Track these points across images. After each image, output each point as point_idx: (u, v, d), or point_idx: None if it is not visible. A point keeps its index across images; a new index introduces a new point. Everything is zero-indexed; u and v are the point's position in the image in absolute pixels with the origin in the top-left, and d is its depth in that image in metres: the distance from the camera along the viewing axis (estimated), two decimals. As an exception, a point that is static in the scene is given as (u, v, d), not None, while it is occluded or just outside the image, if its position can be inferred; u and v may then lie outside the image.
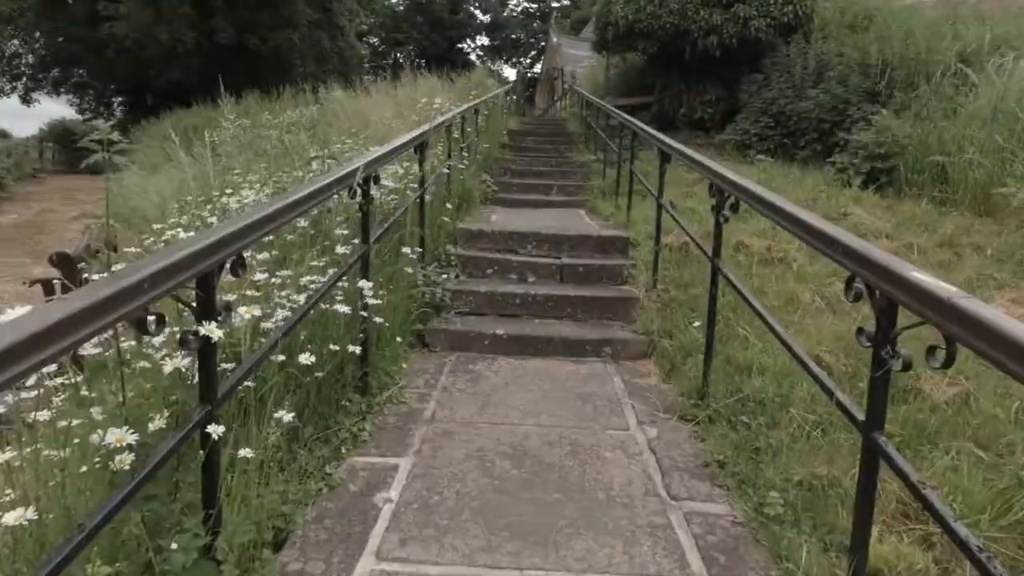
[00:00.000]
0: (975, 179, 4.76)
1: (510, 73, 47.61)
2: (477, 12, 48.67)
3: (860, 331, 1.48)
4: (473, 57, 48.67)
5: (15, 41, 26.64)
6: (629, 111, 10.76)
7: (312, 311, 2.31)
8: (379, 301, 2.78)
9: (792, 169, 6.84)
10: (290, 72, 22.94)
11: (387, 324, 3.22)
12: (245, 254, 1.61)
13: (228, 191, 4.34)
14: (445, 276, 3.95)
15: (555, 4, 46.60)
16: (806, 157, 7.05)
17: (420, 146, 3.93)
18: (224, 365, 1.81)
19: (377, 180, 2.92)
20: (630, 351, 3.63)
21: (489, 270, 4.28)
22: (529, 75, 45.66)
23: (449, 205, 4.78)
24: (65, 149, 27.33)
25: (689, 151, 3.43)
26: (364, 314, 2.69)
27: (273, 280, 2.42)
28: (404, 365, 3.36)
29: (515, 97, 17.03)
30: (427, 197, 4.33)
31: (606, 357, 3.59)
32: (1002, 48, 6.12)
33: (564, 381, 3.27)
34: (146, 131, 16.86)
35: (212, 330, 1.38)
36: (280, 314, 2.23)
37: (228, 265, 1.52)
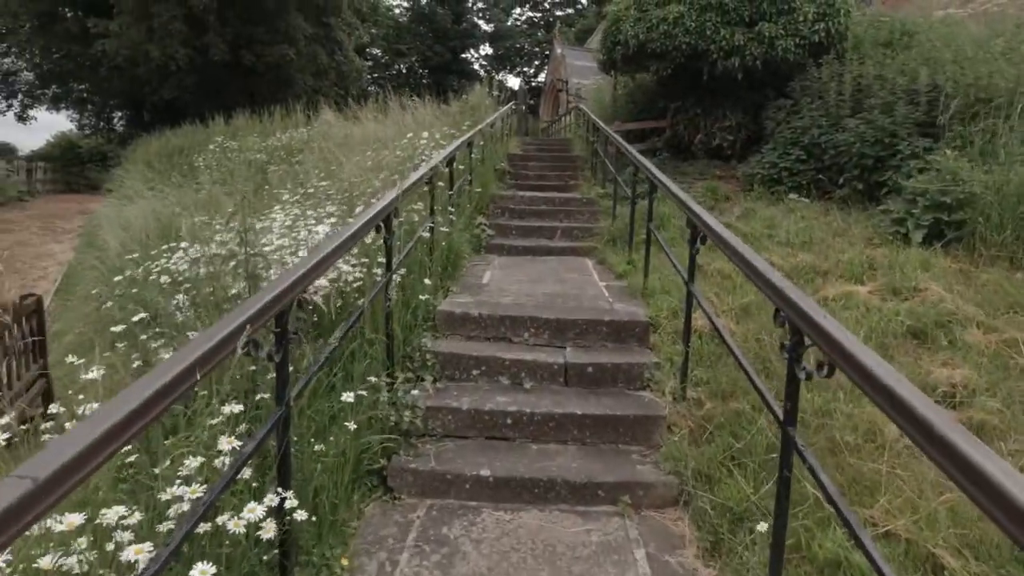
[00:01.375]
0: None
1: (514, 82, 47.13)
2: (480, 22, 48.16)
3: (782, 346, 1.86)
4: (476, 67, 48.11)
5: (8, 59, 26.14)
6: (639, 136, 9.91)
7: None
8: (301, 516, 1.91)
9: (831, 212, 5.95)
10: (288, 87, 22.32)
11: (330, 484, 2.38)
12: None
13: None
14: (416, 392, 3.08)
15: (559, 13, 45.97)
16: (846, 197, 6.16)
17: (386, 221, 3.09)
18: None
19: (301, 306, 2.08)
20: (654, 498, 2.75)
21: (475, 371, 3.41)
22: (533, 84, 45.08)
23: (428, 281, 3.92)
24: (60, 167, 26.78)
25: (733, 240, 2.56)
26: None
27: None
28: (355, 526, 2.51)
29: (517, 111, 16.24)
30: (396, 278, 3.48)
31: (624, 507, 2.71)
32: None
33: (569, 562, 2.39)
34: (134, 151, 16.17)
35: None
36: None
37: None
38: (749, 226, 5.57)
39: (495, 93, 11.26)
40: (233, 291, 3.17)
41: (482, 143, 7.81)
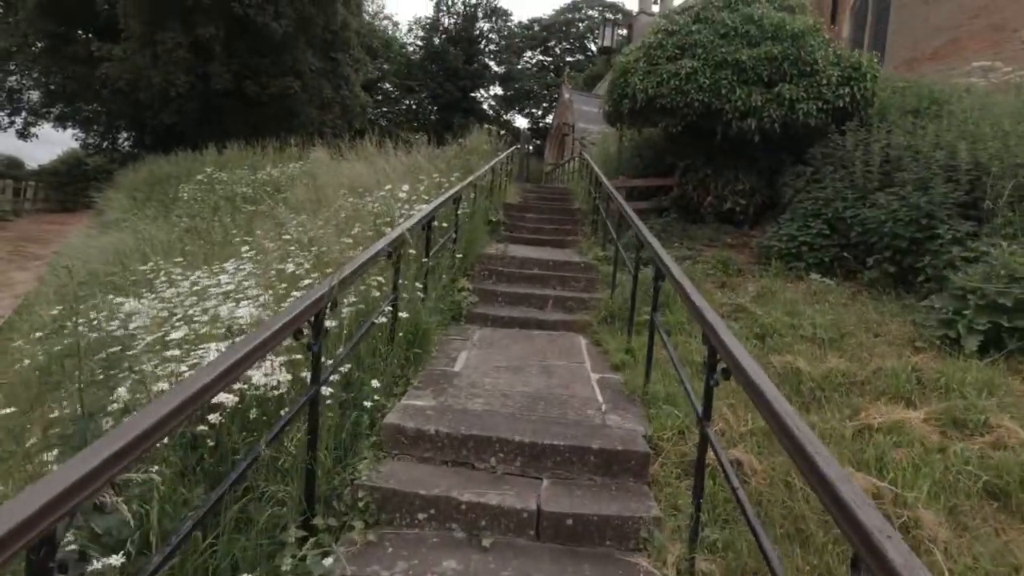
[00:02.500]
0: None
1: (521, 122, 47.43)
2: (491, 63, 48.83)
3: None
4: (485, 106, 48.52)
5: (14, 77, 26.06)
6: (645, 193, 9.32)
7: None
8: None
9: (860, 298, 5.24)
10: (294, 119, 22.06)
11: None
12: None
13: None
14: (330, 561, 2.27)
15: (568, 59, 46.58)
16: (875, 280, 5.46)
17: (314, 320, 2.37)
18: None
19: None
20: None
21: (421, 514, 2.62)
22: (540, 125, 45.27)
23: (377, 382, 3.17)
24: (59, 185, 26.37)
25: (771, 394, 1.82)
26: None
27: None
28: None
29: (518, 154, 15.79)
30: (327, 390, 2.74)
31: None
32: None
33: None
34: (123, 176, 15.64)
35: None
36: None
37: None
38: (768, 312, 4.85)
39: (494, 137, 10.73)
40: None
41: (473, 195, 7.18)
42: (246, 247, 5.15)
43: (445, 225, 5.73)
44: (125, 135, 29.75)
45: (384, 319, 3.53)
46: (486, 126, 10.93)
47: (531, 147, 25.11)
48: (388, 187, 5.90)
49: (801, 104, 6.54)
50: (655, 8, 31.23)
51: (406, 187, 5.92)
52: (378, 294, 3.77)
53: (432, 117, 45.92)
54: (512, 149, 12.51)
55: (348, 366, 3.08)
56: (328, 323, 2.68)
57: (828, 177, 6.38)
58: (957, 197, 5.22)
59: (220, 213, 9.51)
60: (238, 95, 20.68)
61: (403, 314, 3.81)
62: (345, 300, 3.42)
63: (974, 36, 10.14)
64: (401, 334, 3.81)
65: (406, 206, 5.79)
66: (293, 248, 4.94)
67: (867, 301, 5.13)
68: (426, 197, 6.09)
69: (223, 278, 4.31)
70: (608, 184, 7.50)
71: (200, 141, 16.66)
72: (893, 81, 7.98)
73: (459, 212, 5.98)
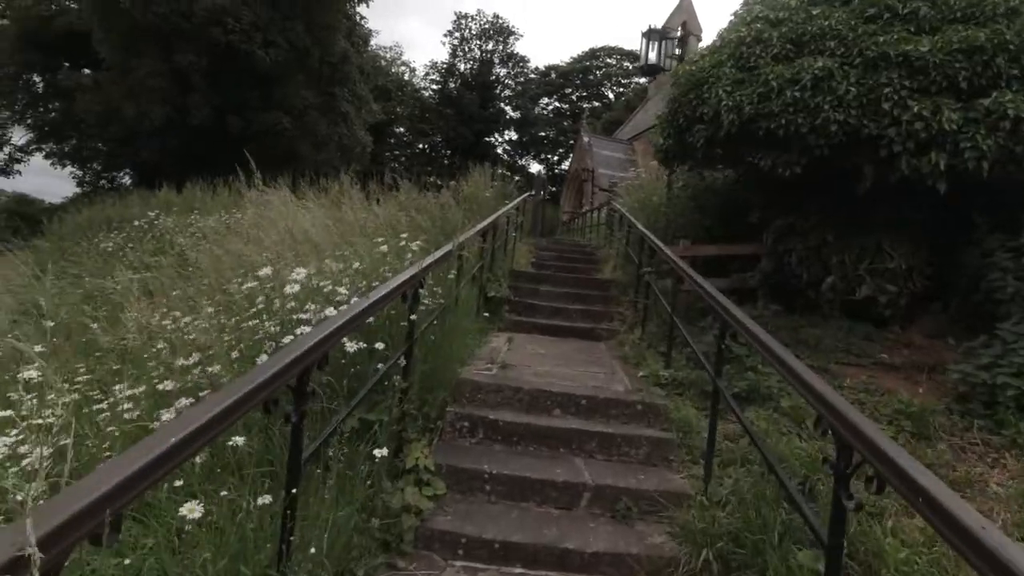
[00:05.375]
0: None
1: (536, 168, 45.46)
2: (507, 108, 47.51)
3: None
4: (500, 151, 46.90)
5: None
6: (715, 266, 6.49)
7: None
8: None
9: None
10: (291, 159, 19.81)
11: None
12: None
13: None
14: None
15: (585, 105, 44.96)
16: None
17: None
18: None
19: None
20: None
21: None
22: (556, 171, 43.22)
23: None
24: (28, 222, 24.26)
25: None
26: None
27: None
28: None
29: (533, 203, 13.14)
30: None
31: None
32: None
33: None
34: (61, 220, 13.26)
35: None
36: None
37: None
38: None
39: (500, 181, 8.03)
40: None
41: (455, 272, 4.36)
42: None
43: (380, 347, 2.88)
44: (124, 173, 27.74)
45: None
46: (487, 165, 8.25)
47: (547, 194, 22.63)
48: (303, 269, 3.11)
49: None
50: (677, 51, 29.19)
51: (356, 266, 3.12)
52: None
53: (446, 161, 44.22)
54: (524, 196, 9.83)
55: None
56: None
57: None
58: None
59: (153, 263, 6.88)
60: (220, 131, 18.46)
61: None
62: None
63: None
64: None
65: (315, 302, 2.97)
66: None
67: None
68: (382, 277, 3.32)
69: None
70: (670, 254, 4.70)
71: (184, 180, 14.45)
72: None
73: (417, 312, 3.13)
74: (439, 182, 8.53)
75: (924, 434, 3.35)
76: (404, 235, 4.82)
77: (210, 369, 2.62)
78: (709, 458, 3.00)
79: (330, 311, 2.77)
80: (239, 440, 2.08)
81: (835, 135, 4.01)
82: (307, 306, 2.94)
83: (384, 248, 4.07)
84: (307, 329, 2.61)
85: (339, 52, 19.55)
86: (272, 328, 2.86)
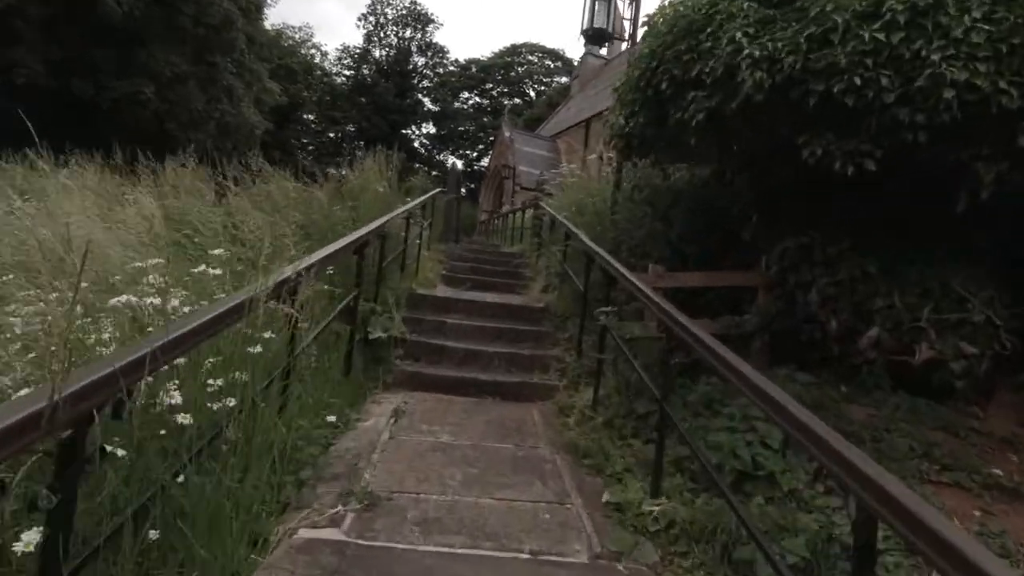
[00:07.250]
0: None
1: (454, 162, 43.29)
2: (426, 100, 45.06)
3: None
4: (417, 144, 44.38)
5: None
6: (688, 300, 4.58)
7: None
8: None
9: None
10: (163, 138, 16.39)
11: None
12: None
13: None
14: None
15: (506, 102, 43.34)
16: None
17: None
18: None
19: None
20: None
21: None
22: (474, 168, 41.31)
23: None
24: None
25: None
26: None
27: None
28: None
29: (448, 202, 11.15)
30: None
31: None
32: None
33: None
34: None
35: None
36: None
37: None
38: None
39: (394, 171, 5.95)
40: None
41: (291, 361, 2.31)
42: None
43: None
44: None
45: None
46: (379, 151, 6.14)
47: (463, 190, 20.72)
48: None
49: None
50: (603, 52, 28.20)
51: None
52: None
53: (358, 152, 41.07)
54: (433, 193, 7.80)
55: None
56: None
57: None
58: None
59: None
60: (65, 96, 14.84)
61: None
62: None
63: None
64: None
65: None
66: None
67: None
68: None
69: None
70: (650, 293, 2.90)
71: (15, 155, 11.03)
72: None
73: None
74: (327, 172, 6.38)
75: None
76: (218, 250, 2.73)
77: None
78: None
79: None
80: None
81: (946, 108, 2.35)
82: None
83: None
84: None
85: (219, 14, 16.43)
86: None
